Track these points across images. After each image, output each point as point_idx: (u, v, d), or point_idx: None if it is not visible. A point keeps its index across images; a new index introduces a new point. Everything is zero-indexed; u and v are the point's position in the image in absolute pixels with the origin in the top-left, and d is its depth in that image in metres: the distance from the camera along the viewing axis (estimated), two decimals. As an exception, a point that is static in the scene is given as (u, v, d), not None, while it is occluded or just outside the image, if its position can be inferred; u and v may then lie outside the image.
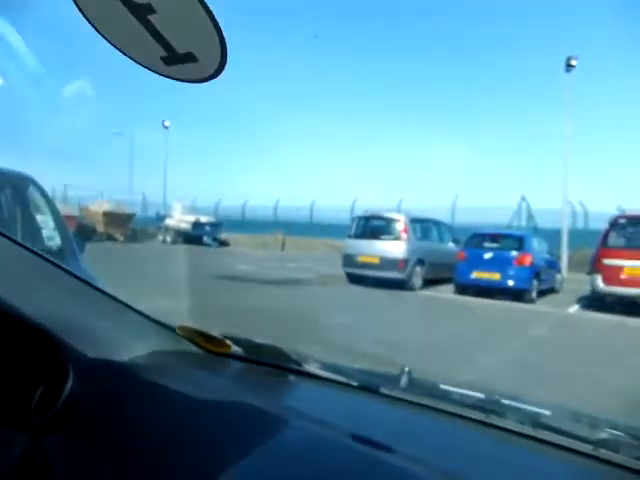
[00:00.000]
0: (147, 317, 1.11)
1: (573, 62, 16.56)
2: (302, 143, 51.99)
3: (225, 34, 0.68)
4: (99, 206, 26.69)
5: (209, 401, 0.87)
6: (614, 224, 9.38)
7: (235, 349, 1.11)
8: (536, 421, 0.83)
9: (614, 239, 9.30)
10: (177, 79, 0.76)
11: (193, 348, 1.13)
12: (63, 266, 0.99)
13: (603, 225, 10.01)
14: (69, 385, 0.91)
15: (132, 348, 1.02)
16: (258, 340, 1.17)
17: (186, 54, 0.70)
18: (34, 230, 3.65)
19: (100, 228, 25.67)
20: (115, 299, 1.08)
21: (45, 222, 3.75)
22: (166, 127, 30.47)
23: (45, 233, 3.70)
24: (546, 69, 41.12)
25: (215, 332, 1.14)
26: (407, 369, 1.04)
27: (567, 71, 16.82)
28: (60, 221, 3.79)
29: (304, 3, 50.81)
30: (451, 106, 48.18)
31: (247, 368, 1.12)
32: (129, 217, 27.80)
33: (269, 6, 50.80)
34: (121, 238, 26.31)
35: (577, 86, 18.43)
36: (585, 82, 34.26)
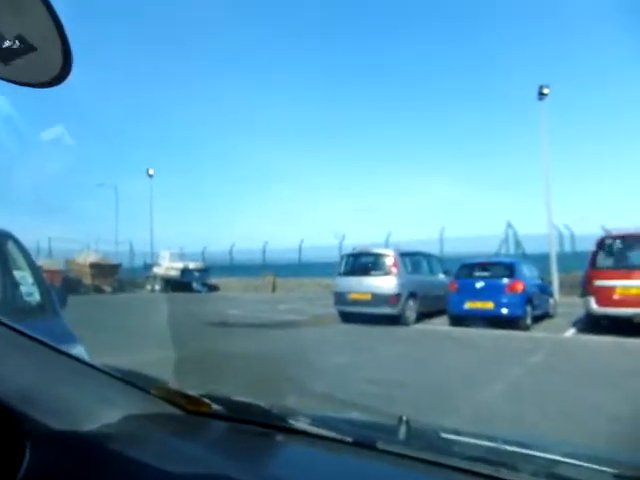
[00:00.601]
0: (119, 379, 1.02)
1: (545, 90, 17.17)
2: (288, 183, 52.54)
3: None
4: (85, 258, 26.48)
5: (187, 474, 0.78)
6: (601, 245, 9.42)
7: (215, 408, 1.02)
8: (551, 472, 0.75)
9: (603, 260, 9.32)
10: (23, 83, 0.65)
11: (170, 409, 1.04)
12: (18, 327, 0.90)
13: (590, 247, 10.06)
14: (26, 462, 0.81)
15: (101, 415, 0.93)
16: (240, 397, 1.08)
17: (19, 40, 0.59)
18: (12, 287, 3.56)
19: (87, 280, 25.43)
20: (81, 361, 0.99)
21: (24, 278, 3.66)
22: (150, 175, 30.62)
23: (24, 289, 3.61)
24: (521, 98, 42.55)
25: (193, 391, 1.05)
26: (405, 418, 0.95)
27: (540, 99, 17.40)
28: (40, 276, 3.70)
29: (290, 50, 52.45)
30: (433, 141, 49.44)
31: (229, 429, 1.03)
32: (116, 268, 27.59)
33: (254, 52, 52.34)
34: (108, 289, 26.03)
35: (552, 112, 19.09)
36: (561, 108, 35.57)
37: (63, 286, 20.56)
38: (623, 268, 8.90)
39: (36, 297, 3.50)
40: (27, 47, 0.60)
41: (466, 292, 10.68)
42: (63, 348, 0.97)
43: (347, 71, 53.70)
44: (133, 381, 1.04)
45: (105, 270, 26.37)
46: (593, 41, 41.75)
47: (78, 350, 3.03)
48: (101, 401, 0.95)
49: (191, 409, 1.02)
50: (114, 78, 48.59)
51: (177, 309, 15.51)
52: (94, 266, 25.79)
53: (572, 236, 19.69)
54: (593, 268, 9.31)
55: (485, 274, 10.96)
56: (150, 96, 53.24)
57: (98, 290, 25.45)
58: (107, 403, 0.96)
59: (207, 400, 1.02)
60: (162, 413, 1.02)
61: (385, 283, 11.25)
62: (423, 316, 11.82)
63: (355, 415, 1.36)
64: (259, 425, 0.99)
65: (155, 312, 13.27)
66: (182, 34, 51.15)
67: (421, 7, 47.89)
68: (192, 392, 1.05)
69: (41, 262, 23.80)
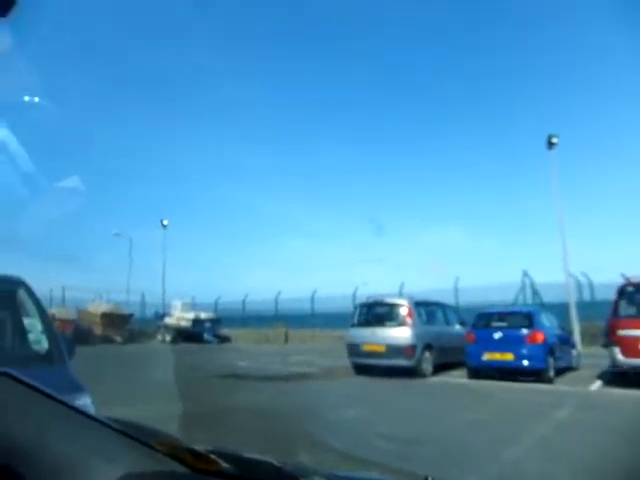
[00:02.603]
0: (122, 432, 0.93)
1: (554, 140, 17.39)
2: (300, 234, 52.89)
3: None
4: (97, 308, 26.52)
5: None
6: (622, 293, 9.14)
7: (224, 466, 0.92)
8: None
9: (625, 308, 9.01)
10: None
11: (175, 466, 0.94)
12: (21, 377, 0.85)
13: (609, 295, 9.77)
14: None
15: (101, 472, 0.86)
16: (250, 454, 0.97)
17: None
18: (21, 334, 3.53)
19: (98, 330, 25.35)
20: (84, 414, 0.92)
21: (33, 326, 3.64)
22: (164, 226, 31.08)
23: (32, 337, 3.58)
24: (532, 147, 43.15)
25: (200, 446, 0.96)
26: (431, 479, 0.84)
27: (549, 149, 17.58)
28: (49, 324, 3.65)
29: (294, 95, 54.41)
30: (446, 190, 49.91)
31: None
32: (127, 318, 27.52)
33: (267, 108, 54.22)
34: (119, 340, 25.86)
35: (563, 160, 19.24)
36: (571, 155, 35.92)
37: (73, 335, 20.51)
38: (647, 317, 8.58)
39: (44, 345, 3.45)
40: None
41: (484, 343, 10.34)
42: (68, 399, 0.92)
43: (359, 125, 55.23)
44: (137, 435, 0.96)
45: (116, 320, 26.30)
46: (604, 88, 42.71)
47: (84, 401, 2.93)
48: (102, 457, 0.89)
49: (198, 467, 0.93)
50: (133, 134, 50.51)
51: (187, 361, 15.27)
52: (105, 316, 25.76)
53: (590, 284, 19.26)
54: (615, 317, 9.00)
55: (503, 324, 10.63)
56: (167, 151, 55.02)
57: (109, 340, 25.30)
58: (108, 459, 0.89)
59: (215, 457, 0.93)
60: (166, 471, 0.93)
61: (400, 334, 10.97)
62: (440, 368, 11.44)
63: (375, 475, 1.24)
64: None
65: (164, 364, 13.05)
66: (198, 99, 53.41)
67: (432, 63, 49.69)
68: (199, 448, 0.95)
69: (53, 311, 23.97)
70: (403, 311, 11.26)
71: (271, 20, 50.29)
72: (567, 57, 44.17)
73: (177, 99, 52.70)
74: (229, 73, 49.49)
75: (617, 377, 9.07)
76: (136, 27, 45.67)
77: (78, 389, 3.01)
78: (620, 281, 9.51)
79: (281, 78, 53.35)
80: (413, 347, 10.77)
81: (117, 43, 44.86)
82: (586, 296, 19.16)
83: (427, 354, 11.08)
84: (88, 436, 0.90)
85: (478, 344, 10.47)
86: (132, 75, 49.06)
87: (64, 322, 22.89)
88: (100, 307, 26.55)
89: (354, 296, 22.02)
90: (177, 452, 0.95)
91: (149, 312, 31.22)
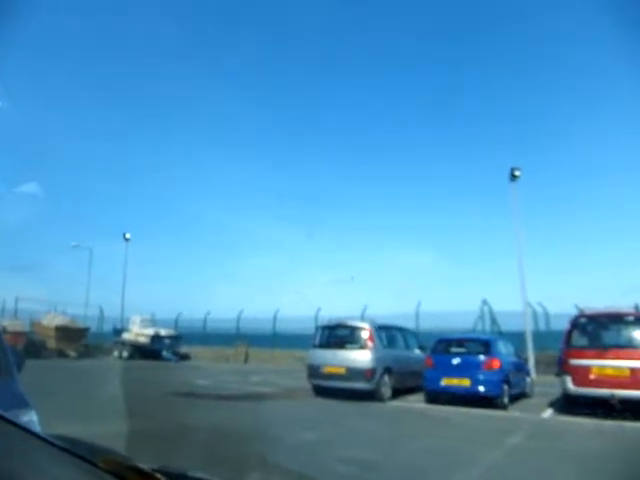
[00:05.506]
0: (65, 449, 0.92)
1: (517, 172, 18.04)
2: (264, 253, 52.62)
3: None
4: (51, 320, 25.49)
5: None
6: (575, 324, 9.46)
7: (169, 485, 0.92)
8: None
9: (577, 339, 9.32)
10: None
11: None
12: None
13: (563, 325, 10.10)
14: None
15: None
16: (197, 473, 0.98)
17: None
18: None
19: (51, 344, 24.40)
20: (24, 429, 0.90)
21: (-20, 338, 3.48)
22: (127, 239, 30.36)
23: (-22, 350, 3.41)
24: (495, 179, 44.62)
25: (146, 464, 0.96)
26: None
27: (512, 181, 18.23)
28: (-3, 337, 3.50)
29: (276, 123, 54.81)
30: (410, 218, 50.84)
31: None
32: (83, 332, 26.57)
33: (237, 122, 54.27)
34: (74, 354, 24.92)
35: (526, 193, 19.87)
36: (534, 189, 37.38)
37: (25, 349, 19.65)
38: (598, 347, 8.89)
39: (-9, 358, 3.30)
40: None
41: (442, 368, 10.48)
42: (12, 414, 0.90)
43: (330, 149, 55.92)
44: (81, 453, 0.95)
45: (71, 334, 25.34)
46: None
47: (29, 416, 2.83)
48: (43, 475, 0.87)
49: None
50: (98, 145, 49.59)
51: (143, 378, 14.84)
52: (60, 329, 24.78)
53: (546, 314, 19.85)
54: (568, 347, 9.30)
55: (461, 350, 10.82)
56: (133, 165, 54.17)
57: (63, 355, 24.34)
58: (50, 477, 0.87)
59: (160, 476, 0.93)
60: None
61: (360, 357, 11.00)
62: (399, 392, 11.50)
63: None
64: None
65: (119, 380, 12.63)
66: (156, 104, 53.09)
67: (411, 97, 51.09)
68: (144, 466, 0.96)
69: (4, 322, 22.91)
70: (364, 334, 11.31)
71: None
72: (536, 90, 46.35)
73: (144, 115, 52.25)
74: (195, 89, 49.44)
75: (568, 405, 9.33)
76: (106, 37, 45.29)
77: (23, 404, 2.91)
78: (574, 312, 9.86)
79: (249, 96, 53.70)
80: (373, 370, 10.80)
81: (85, 54, 44.29)
82: (542, 325, 19.73)
83: (386, 378, 11.13)
84: (29, 453, 0.88)
85: (437, 369, 10.60)
86: (102, 88, 48.42)
87: (16, 335, 21.95)
88: (55, 320, 25.52)
89: (316, 317, 21.98)
90: (121, 470, 0.95)
91: (107, 327, 30.20)
